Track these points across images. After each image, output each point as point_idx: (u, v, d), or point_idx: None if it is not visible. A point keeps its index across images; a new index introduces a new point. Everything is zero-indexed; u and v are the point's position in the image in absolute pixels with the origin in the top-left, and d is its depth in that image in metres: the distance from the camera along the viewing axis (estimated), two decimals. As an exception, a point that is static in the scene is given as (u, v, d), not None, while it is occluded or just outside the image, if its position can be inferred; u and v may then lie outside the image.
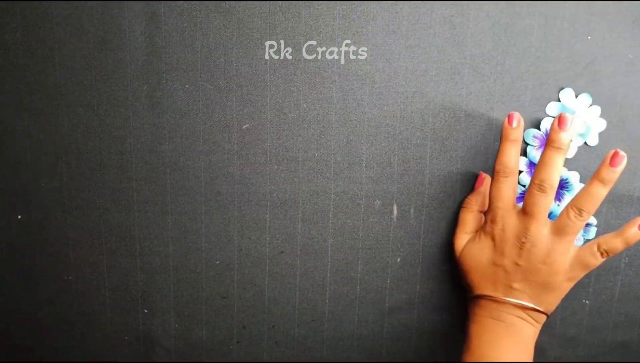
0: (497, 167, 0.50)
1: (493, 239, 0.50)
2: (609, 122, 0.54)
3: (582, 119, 0.51)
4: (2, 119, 0.51)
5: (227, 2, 0.50)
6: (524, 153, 0.54)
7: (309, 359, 0.56)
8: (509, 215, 0.50)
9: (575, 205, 0.47)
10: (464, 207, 0.53)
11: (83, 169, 0.52)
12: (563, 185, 0.54)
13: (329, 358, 0.56)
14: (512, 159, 0.49)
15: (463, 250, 0.52)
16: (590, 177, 0.54)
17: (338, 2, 0.51)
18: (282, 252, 0.54)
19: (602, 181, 0.47)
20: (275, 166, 0.53)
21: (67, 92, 0.51)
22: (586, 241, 0.56)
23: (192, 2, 0.50)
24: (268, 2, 0.50)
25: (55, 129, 0.51)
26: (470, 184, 0.54)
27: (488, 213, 0.51)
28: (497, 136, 0.54)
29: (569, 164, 0.54)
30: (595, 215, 0.55)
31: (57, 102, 0.51)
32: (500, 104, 0.53)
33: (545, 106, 0.54)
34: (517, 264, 0.49)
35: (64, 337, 0.55)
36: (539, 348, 0.58)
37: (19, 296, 0.54)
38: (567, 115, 0.46)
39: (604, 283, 0.57)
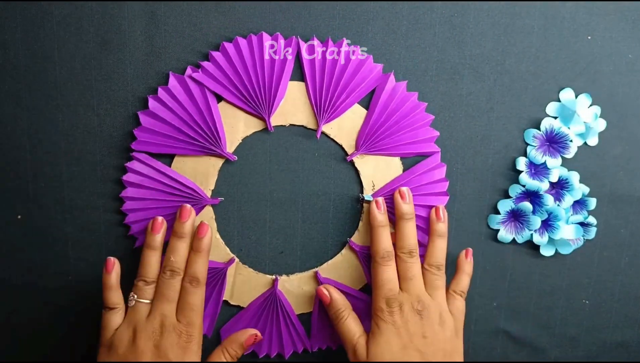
0: (381, 254, 0.50)
1: (394, 324, 0.48)
2: (608, 122, 0.54)
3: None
4: (2, 119, 0.51)
5: (227, 3, 0.50)
6: (523, 153, 0.54)
7: (309, 359, 0.56)
8: (400, 294, 0.49)
9: (432, 263, 0.51)
10: (339, 319, 0.51)
11: (84, 170, 0.52)
12: (563, 185, 0.54)
13: (330, 358, 0.56)
14: (389, 243, 0.50)
15: (369, 351, 0.48)
16: (590, 177, 0.54)
17: (338, 2, 0.51)
18: (282, 252, 0.54)
19: (441, 236, 0.52)
20: (275, 166, 0.53)
21: (67, 92, 0.51)
22: (586, 241, 0.56)
23: (192, 2, 0.50)
24: (268, 2, 0.50)
25: (56, 129, 0.51)
26: (470, 184, 0.54)
27: (377, 302, 0.49)
28: (497, 136, 0.54)
29: (569, 164, 0.54)
30: (595, 215, 0.55)
31: (57, 102, 0.51)
32: (500, 104, 0.53)
33: (545, 106, 0.54)
34: (424, 337, 0.48)
35: (64, 337, 0.55)
36: (539, 348, 0.58)
37: (19, 296, 0.54)
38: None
39: (604, 283, 0.57)
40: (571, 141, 0.53)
